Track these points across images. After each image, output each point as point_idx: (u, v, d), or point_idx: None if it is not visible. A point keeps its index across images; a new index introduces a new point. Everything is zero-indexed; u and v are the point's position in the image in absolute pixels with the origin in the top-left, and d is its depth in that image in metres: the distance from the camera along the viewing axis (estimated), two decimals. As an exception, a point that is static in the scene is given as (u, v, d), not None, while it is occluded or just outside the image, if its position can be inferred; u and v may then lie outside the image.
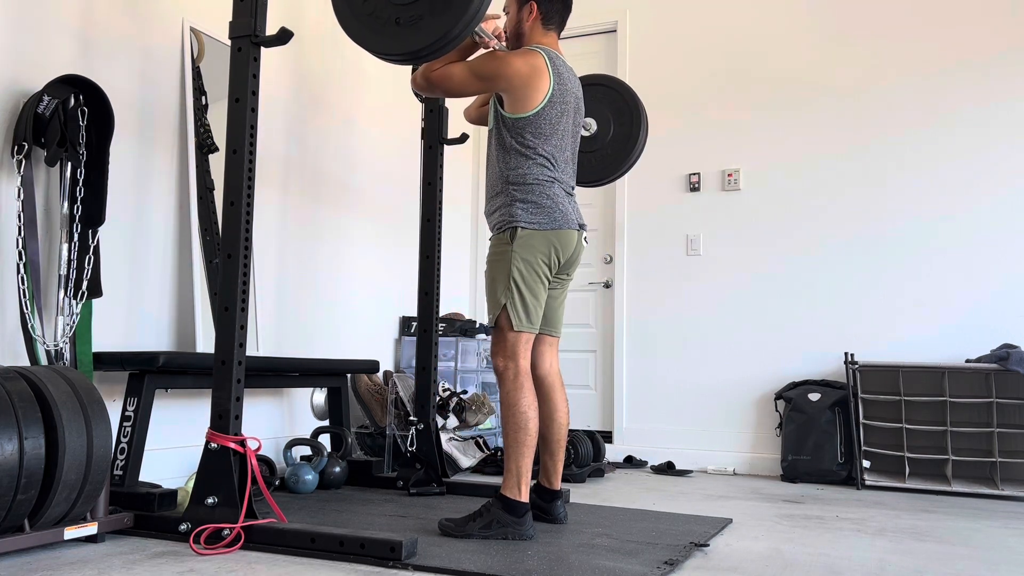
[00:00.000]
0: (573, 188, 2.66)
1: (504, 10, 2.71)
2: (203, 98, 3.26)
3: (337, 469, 3.25)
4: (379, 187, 4.33)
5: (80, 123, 2.60)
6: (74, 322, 2.55)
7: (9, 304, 2.49)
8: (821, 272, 4.34)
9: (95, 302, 2.66)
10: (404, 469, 3.32)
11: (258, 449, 2.37)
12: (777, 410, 4.27)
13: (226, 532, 2.19)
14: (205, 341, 3.10)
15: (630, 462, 4.46)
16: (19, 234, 2.46)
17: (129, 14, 2.97)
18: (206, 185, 3.23)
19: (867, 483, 3.84)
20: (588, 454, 3.85)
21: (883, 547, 2.48)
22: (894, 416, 3.91)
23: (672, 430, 4.55)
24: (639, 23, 4.89)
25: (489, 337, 2.97)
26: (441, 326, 3.97)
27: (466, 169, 5.24)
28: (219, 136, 3.22)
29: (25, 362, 2.46)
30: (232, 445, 2.29)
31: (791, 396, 4.16)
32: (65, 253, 2.59)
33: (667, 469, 4.26)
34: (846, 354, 4.02)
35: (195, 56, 3.25)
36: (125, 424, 2.58)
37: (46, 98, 2.50)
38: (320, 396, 3.60)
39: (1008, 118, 4.06)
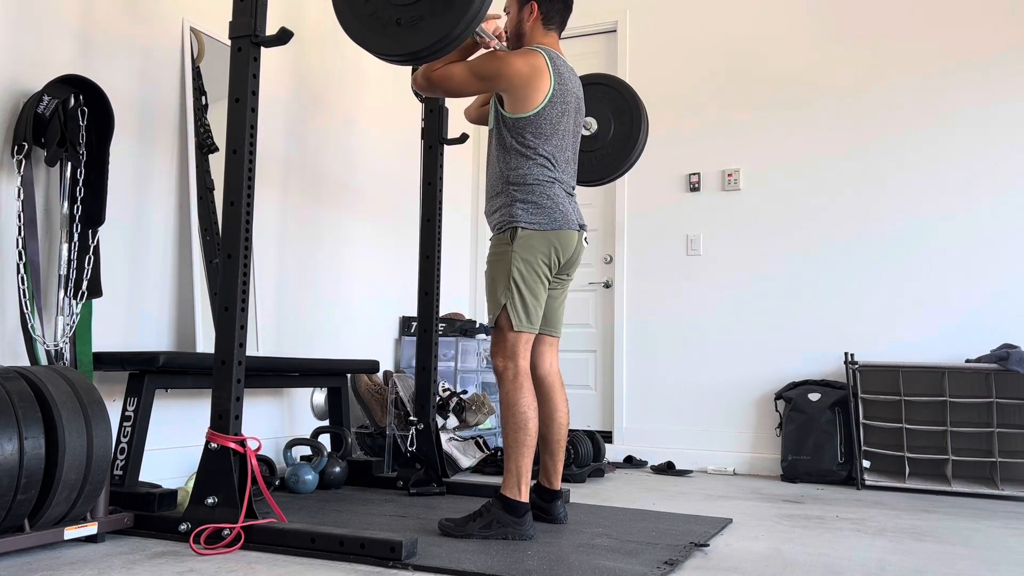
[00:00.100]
0: (574, 188, 2.66)
1: (505, 10, 2.71)
2: (203, 98, 3.26)
3: (337, 469, 3.25)
4: (379, 187, 4.33)
5: (80, 123, 2.60)
6: (74, 322, 2.55)
7: (9, 304, 2.49)
8: (821, 272, 4.34)
9: (95, 302, 2.66)
10: (404, 469, 3.32)
11: (258, 449, 2.37)
12: (777, 410, 4.27)
13: (226, 532, 2.19)
14: (205, 341, 3.10)
15: (630, 462, 4.46)
16: (19, 234, 2.46)
17: (129, 14, 2.97)
18: (206, 185, 3.23)
19: (867, 483, 3.84)
20: (588, 454, 3.85)
21: (883, 547, 2.48)
22: (894, 416, 3.91)
23: (672, 430, 4.55)
24: (639, 23, 4.89)
25: (489, 337, 2.97)
26: (441, 326, 3.97)
27: (466, 169, 5.24)
28: (219, 136, 3.22)
29: (25, 362, 2.46)
30: (232, 445, 2.29)
31: (791, 396, 4.16)
32: (65, 253, 2.59)
33: (667, 469, 4.26)
34: (846, 354, 4.02)
35: (195, 56, 3.25)
36: (125, 424, 2.58)
37: (46, 98, 2.50)
38: (320, 396, 3.60)
39: (1008, 118, 4.06)
